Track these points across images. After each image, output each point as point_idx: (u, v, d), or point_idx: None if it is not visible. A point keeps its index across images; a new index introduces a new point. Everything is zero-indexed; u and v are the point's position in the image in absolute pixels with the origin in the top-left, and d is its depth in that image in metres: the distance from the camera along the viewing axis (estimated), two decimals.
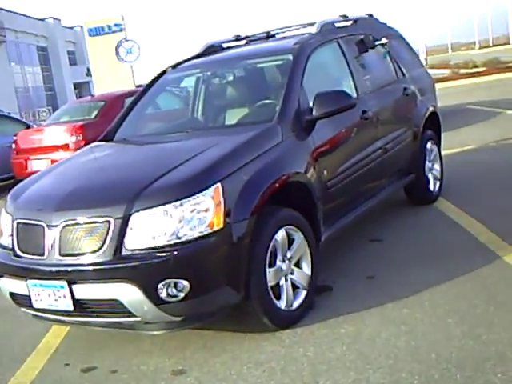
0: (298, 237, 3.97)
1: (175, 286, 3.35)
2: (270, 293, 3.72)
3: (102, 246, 3.43)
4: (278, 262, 3.83)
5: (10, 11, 51.55)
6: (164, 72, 5.57)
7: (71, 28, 62.70)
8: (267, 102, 4.72)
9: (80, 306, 3.53)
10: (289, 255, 3.91)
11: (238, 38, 6.01)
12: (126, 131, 5.07)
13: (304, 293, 4.00)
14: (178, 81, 5.99)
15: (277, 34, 6.01)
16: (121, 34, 19.68)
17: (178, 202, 3.40)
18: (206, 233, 3.41)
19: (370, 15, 6.32)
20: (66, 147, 9.88)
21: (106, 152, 4.76)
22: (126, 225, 3.41)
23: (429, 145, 6.21)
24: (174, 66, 5.58)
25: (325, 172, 4.36)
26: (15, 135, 11.15)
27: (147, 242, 3.40)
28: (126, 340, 4.02)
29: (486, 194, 6.36)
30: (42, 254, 3.61)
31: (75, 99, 39.50)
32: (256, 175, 3.73)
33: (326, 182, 4.38)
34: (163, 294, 3.35)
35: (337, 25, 5.55)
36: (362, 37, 5.57)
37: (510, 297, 3.86)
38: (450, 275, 4.32)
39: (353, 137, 4.91)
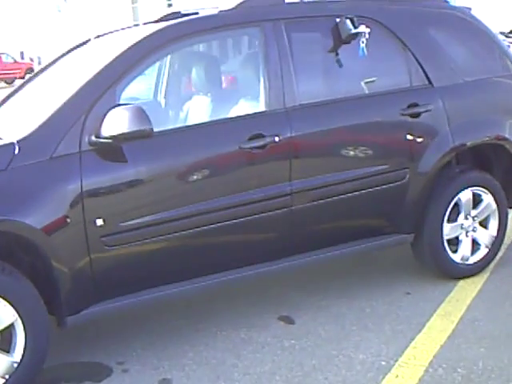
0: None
1: None
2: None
3: None
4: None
5: None
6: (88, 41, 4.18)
7: None
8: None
9: None
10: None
11: None
12: None
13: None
14: None
15: None
16: None
17: None
18: None
19: None
20: None
21: None
22: None
23: (465, 194, 4.12)
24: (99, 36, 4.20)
25: (98, 222, 3.03)
26: None
27: None
28: None
29: None
30: None
31: None
32: None
33: (100, 236, 3.06)
34: None
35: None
36: (336, 20, 3.72)
37: None
38: None
39: (204, 174, 3.38)
